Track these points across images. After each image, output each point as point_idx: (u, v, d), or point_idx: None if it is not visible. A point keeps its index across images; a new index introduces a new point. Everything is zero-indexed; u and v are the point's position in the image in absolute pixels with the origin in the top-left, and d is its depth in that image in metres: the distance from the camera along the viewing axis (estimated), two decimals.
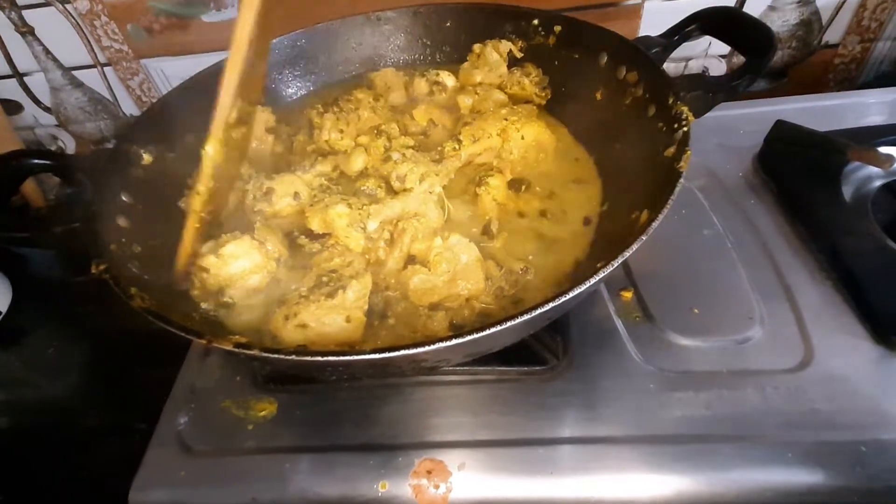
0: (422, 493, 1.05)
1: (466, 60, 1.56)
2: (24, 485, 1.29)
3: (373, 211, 1.14)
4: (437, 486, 1.05)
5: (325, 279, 1.10)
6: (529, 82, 1.44)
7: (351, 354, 0.80)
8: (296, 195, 1.22)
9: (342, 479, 1.07)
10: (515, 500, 1.04)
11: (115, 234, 1.08)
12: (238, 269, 1.10)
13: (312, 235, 1.18)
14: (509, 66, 1.50)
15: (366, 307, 1.06)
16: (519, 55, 1.52)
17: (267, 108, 1.43)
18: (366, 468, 1.08)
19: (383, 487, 1.05)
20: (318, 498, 1.07)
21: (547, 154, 1.33)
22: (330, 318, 1.02)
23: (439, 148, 1.29)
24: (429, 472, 1.06)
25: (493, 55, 1.49)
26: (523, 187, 1.28)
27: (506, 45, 1.50)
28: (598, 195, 1.26)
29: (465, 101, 1.40)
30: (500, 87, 1.45)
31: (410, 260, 1.14)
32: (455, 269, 1.10)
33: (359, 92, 1.49)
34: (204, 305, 1.10)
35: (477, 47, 1.53)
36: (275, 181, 1.22)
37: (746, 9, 1.79)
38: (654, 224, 0.87)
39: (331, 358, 0.80)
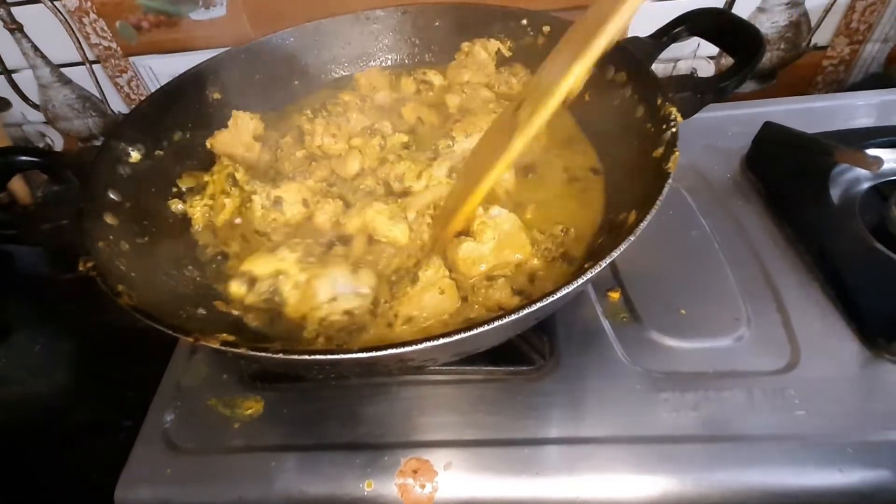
0: (407, 493, 1.05)
1: (455, 59, 1.57)
2: (9, 481, 1.29)
3: (407, 204, 1.16)
4: (422, 486, 1.05)
5: (394, 278, 1.12)
6: (517, 82, 1.44)
7: (338, 353, 0.80)
8: (305, 202, 1.22)
9: (328, 477, 1.07)
10: (501, 500, 1.04)
11: (102, 231, 1.08)
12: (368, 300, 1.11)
13: (344, 241, 1.19)
14: (498, 66, 1.51)
15: (447, 274, 1.06)
16: (508, 54, 1.52)
17: (255, 115, 1.43)
18: (352, 467, 1.08)
19: (369, 486, 1.05)
20: (304, 497, 1.07)
21: (541, 140, 1.33)
22: (426, 299, 1.04)
23: (433, 147, 1.28)
24: (415, 472, 1.06)
25: (482, 54, 1.50)
26: (529, 175, 1.29)
27: (494, 45, 1.51)
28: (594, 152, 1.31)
29: (453, 100, 1.40)
30: (488, 87, 1.45)
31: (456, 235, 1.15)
32: (500, 236, 1.11)
33: (345, 94, 1.49)
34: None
35: (465, 46, 1.54)
36: (281, 189, 1.22)
37: (735, 10, 1.79)
38: (642, 225, 0.88)
39: (318, 357, 0.80)
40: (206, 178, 1.34)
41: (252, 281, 1.10)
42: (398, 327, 1.03)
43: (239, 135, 1.41)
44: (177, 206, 1.30)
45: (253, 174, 1.34)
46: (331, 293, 1.08)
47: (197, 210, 1.29)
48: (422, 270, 1.04)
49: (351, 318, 1.08)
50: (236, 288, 1.09)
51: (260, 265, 1.10)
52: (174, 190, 1.33)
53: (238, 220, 1.27)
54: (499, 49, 1.52)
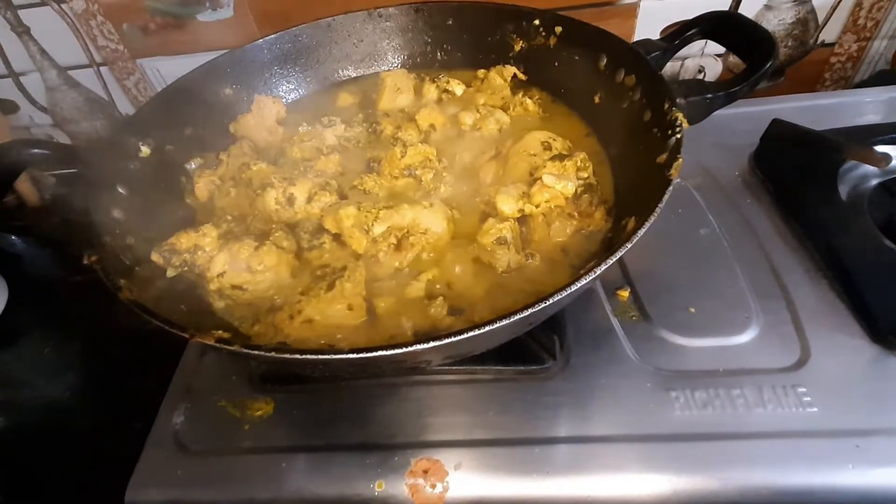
0: (418, 493, 1.05)
1: (468, 61, 1.59)
2: (20, 484, 1.29)
3: (382, 215, 1.13)
4: (433, 486, 1.05)
5: (318, 273, 1.12)
6: (533, 103, 1.43)
7: (329, 353, 0.81)
8: (310, 199, 1.22)
9: (339, 478, 1.08)
10: (512, 499, 1.04)
11: (109, 225, 1.08)
12: (270, 280, 1.11)
13: (313, 234, 1.18)
14: (514, 90, 1.50)
15: (364, 293, 1.06)
16: (523, 78, 1.52)
17: (278, 100, 1.46)
18: (362, 467, 1.08)
19: (380, 487, 1.05)
20: (315, 497, 1.07)
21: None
22: (333, 309, 1.03)
23: (417, 173, 1.27)
24: (425, 472, 1.06)
25: (497, 80, 1.50)
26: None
27: (509, 70, 1.51)
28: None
29: (467, 119, 1.39)
30: (503, 109, 1.45)
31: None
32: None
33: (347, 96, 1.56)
34: (235, 323, 1.10)
35: (481, 73, 1.55)
36: (296, 187, 1.22)
37: (743, 8, 1.80)
38: (640, 232, 0.87)
39: (309, 356, 0.81)
40: (223, 156, 1.35)
41: (172, 252, 1.10)
42: (297, 322, 1.03)
43: (262, 119, 1.43)
44: (186, 199, 1.31)
45: (272, 159, 1.37)
46: (222, 267, 1.09)
47: (202, 182, 1.31)
48: (341, 280, 1.05)
49: (249, 294, 1.11)
50: (156, 257, 1.10)
51: (183, 239, 1.11)
52: (183, 180, 1.34)
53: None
54: (515, 74, 1.51)
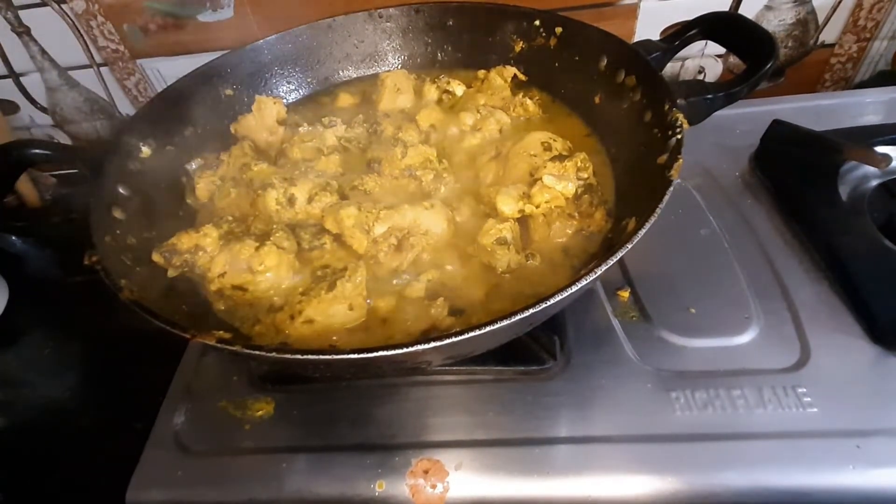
0: (419, 493, 1.05)
1: (468, 62, 1.60)
2: (21, 485, 1.29)
3: (383, 216, 1.13)
4: (434, 486, 1.05)
5: (319, 273, 1.12)
6: (533, 104, 1.44)
7: (330, 354, 0.80)
8: (310, 200, 1.22)
9: (339, 478, 1.07)
10: (512, 499, 1.04)
11: (110, 225, 1.09)
12: (271, 280, 1.11)
13: (314, 234, 1.18)
14: (514, 91, 1.50)
15: (365, 293, 1.06)
16: (523, 78, 1.52)
17: (279, 100, 1.45)
18: (363, 468, 1.08)
19: (380, 487, 1.05)
20: (315, 498, 1.07)
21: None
22: (334, 309, 1.03)
23: (418, 173, 1.27)
24: (426, 472, 1.06)
25: (497, 80, 1.50)
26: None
27: (510, 71, 1.51)
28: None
29: (467, 120, 1.40)
30: (504, 109, 1.45)
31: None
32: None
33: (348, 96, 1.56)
34: (236, 324, 1.10)
35: (481, 73, 1.55)
36: (297, 187, 1.22)
37: (743, 8, 1.79)
38: (641, 233, 0.87)
39: (310, 356, 0.81)
40: (223, 156, 1.36)
41: (172, 252, 1.11)
42: (298, 323, 1.03)
43: (263, 119, 1.43)
44: (187, 199, 1.31)
45: (272, 159, 1.38)
46: (223, 268, 1.09)
47: (203, 183, 1.31)
48: (342, 280, 1.04)
49: (249, 294, 1.11)
50: (157, 258, 1.10)
51: (184, 239, 1.11)
52: (183, 181, 1.34)
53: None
54: (515, 74, 1.52)
